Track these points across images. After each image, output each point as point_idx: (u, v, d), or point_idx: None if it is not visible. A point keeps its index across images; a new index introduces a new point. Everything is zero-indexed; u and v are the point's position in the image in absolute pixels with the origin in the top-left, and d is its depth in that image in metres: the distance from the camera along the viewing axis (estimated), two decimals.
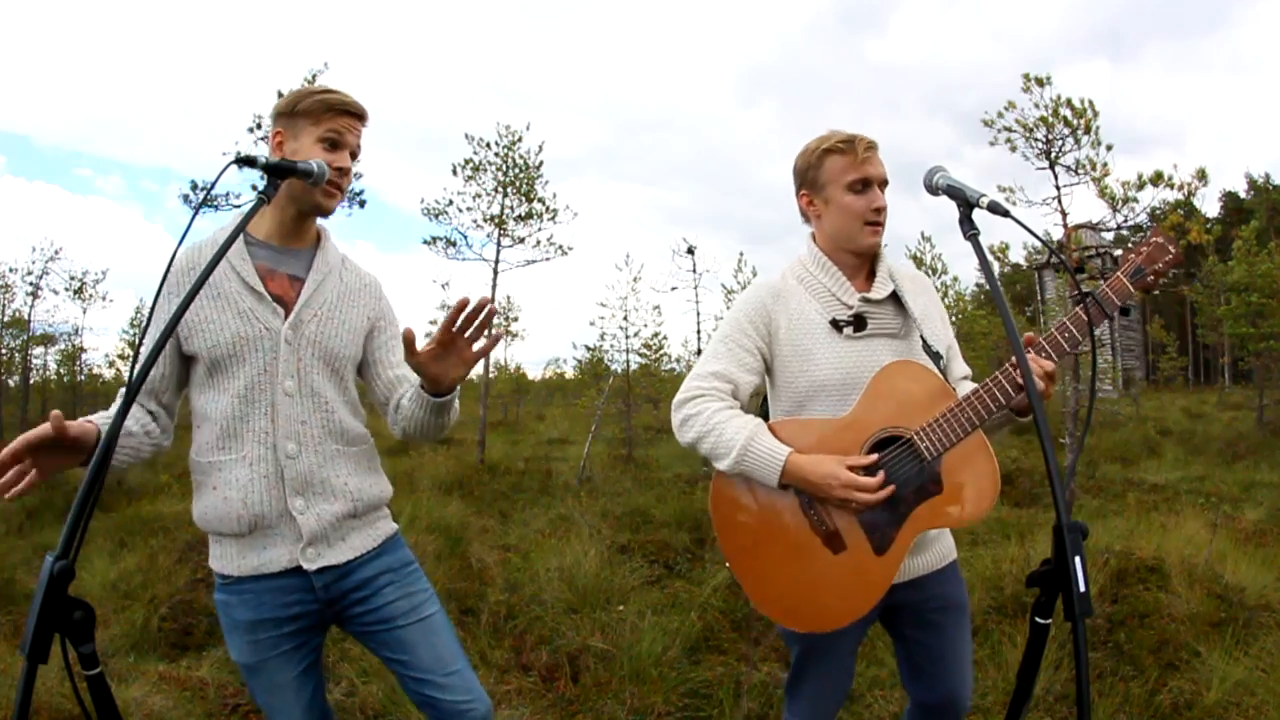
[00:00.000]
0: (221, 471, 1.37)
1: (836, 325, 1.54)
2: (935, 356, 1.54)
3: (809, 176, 1.60)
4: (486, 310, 1.26)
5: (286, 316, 1.41)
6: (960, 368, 1.66)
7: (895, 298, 1.58)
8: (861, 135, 1.55)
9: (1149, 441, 10.79)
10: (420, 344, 1.32)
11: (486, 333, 1.32)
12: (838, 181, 1.55)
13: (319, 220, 1.54)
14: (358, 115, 1.46)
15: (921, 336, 1.56)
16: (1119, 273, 1.42)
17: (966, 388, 1.52)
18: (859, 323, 1.54)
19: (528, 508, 6.54)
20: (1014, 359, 1.38)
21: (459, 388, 1.43)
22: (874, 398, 1.47)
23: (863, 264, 1.61)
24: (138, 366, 1.09)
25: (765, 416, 1.67)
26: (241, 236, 1.44)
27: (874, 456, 1.44)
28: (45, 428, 1.17)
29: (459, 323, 1.26)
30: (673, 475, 8.34)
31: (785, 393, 1.59)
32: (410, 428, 1.47)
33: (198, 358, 1.39)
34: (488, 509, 6.53)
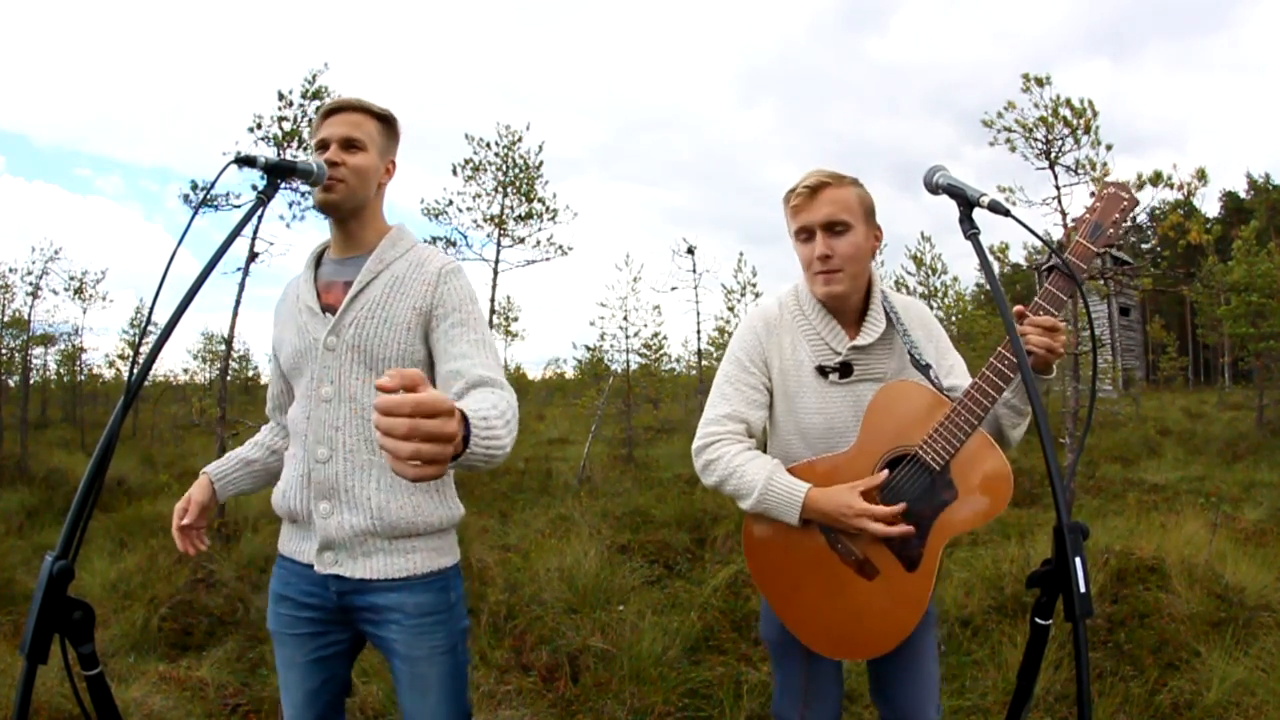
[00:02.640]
0: (285, 466, 1.52)
1: (823, 371, 1.55)
2: (924, 369, 1.52)
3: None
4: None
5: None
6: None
7: (886, 337, 1.57)
8: (804, 180, 1.53)
9: (1149, 441, 10.79)
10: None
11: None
12: (791, 232, 1.58)
13: (391, 221, 1.56)
14: (341, 110, 1.47)
15: (910, 353, 1.54)
16: (1077, 236, 1.42)
17: None
18: (844, 369, 1.55)
19: (528, 508, 6.54)
20: (1001, 347, 1.39)
21: (482, 432, 1.04)
22: (874, 423, 1.49)
23: (856, 304, 1.58)
24: (137, 369, 1.11)
25: None
26: (313, 260, 1.55)
27: (884, 474, 1.45)
28: (193, 517, 1.50)
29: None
30: (673, 475, 8.34)
31: (773, 431, 1.63)
32: None
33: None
34: (488, 509, 6.53)
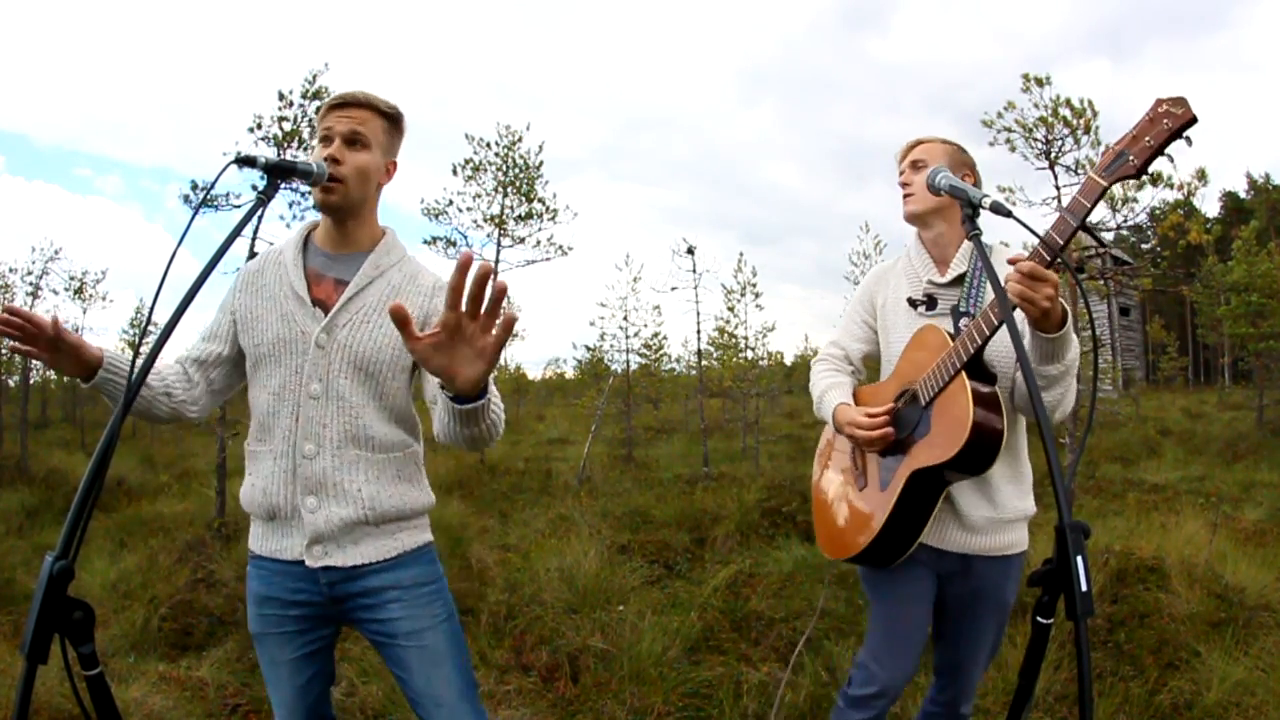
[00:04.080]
0: (255, 461, 1.47)
1: (912, 303, 1.76)
2: (959, 315, 1.66)
3: None
4: (494, 287, 0.94)
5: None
6: None
7: (963, 279, 1.71)
8: (911, 139, 1.83)
9: (1149, 441, 10.78)
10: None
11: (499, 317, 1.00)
12: None
13: (383, 222, 1.56)
14: (348, 104, 1.45)
15: (961, 298, 1.68)
16: (1092, 172, 1.24)
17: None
18: (930, 301, 1.73)
19: (528, 508, 6.53)
20: (990, 302, 1.44)
21: (492, 392, 1.16)
22: (905, 361, 1.71)
23: (952, 243, 1.74)
24: (139, 362, 1.11)
25: None
26: (300, 243, 1.51)
27: (888, 405, 1.65)
28: (44, 319, 1.24)
29: (465, 299, 0.95)
30: (673, 475, 8.34)
31: (883, 360, 1.87)
32: (443, 434, 1.26)
33: (247, 353, 1.48)
34: (488, 509, 6.53)
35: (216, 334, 1.52)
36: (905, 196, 1.79)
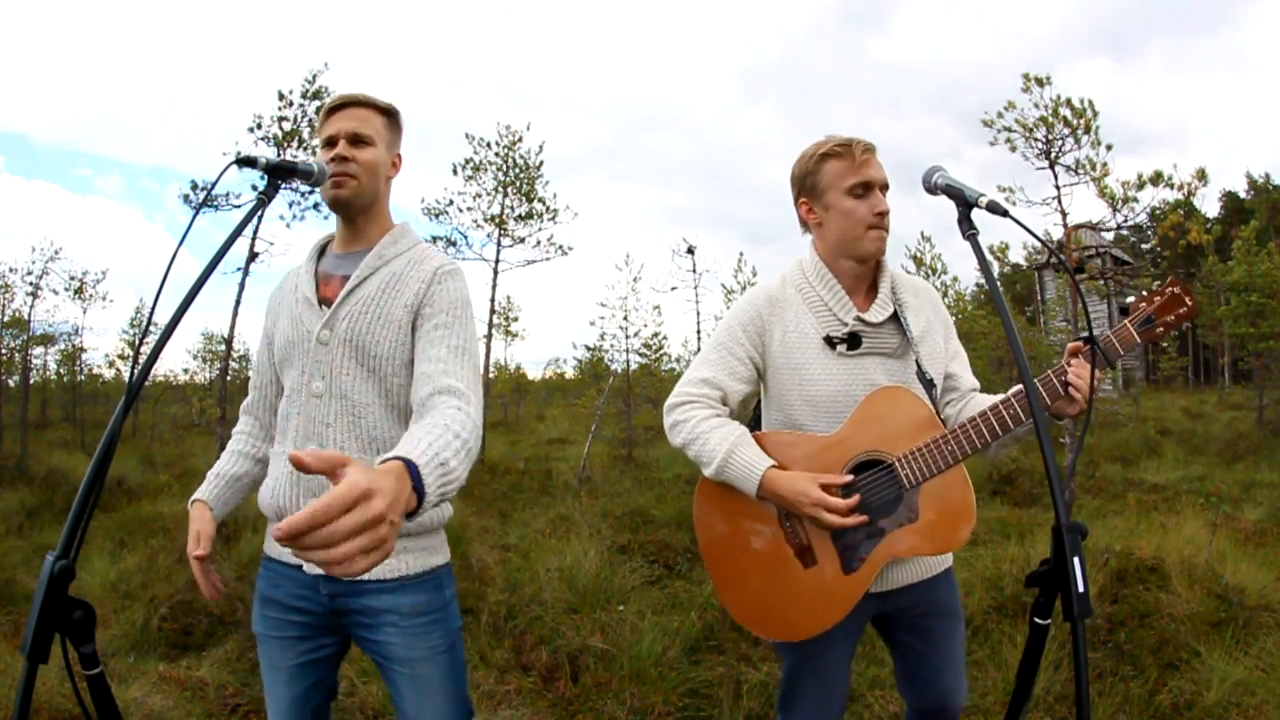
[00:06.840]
0: (271, 462, 1.50)
1: (830, 342, 1.52)
2: (929, 385, 1.51)
3: (807, 183, 1.57)
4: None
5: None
6: (969, 380, 1.64)
7: (896, 317, 1.56)
8: (859, 138, 1.52)
9: (1149, 441, 10.77)
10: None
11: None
12: (837, 186, 1.51)
13: (395, 218, 1.55)
14: (347, 105, 1.46)
15: (917, 362, 1.53)
16: (1127, 321, 1.44)
17: (976, 402, 1.55)
18: (853, 341, 1.52)
19: (528, 508, 6.54)
20: (1012, 392, 1.41)
21: (435, 471, 0.95)
22: (861, 420, 1.47)
23: (864, 276, 1.57)
24: (137, 369, 1.11)
25: (758, 423, 1.67)
26: (315, 251, 1.54)
27: (849, 477, 1.44)
28: (207, 548, 1.38)
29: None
30: (673, 475, 8.33)
31: (776, 403, 1.60)
32: None
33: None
34: (488, 509, 6.53)
35: (263, 364, 1.57)
36: (883, 230, 1.50)
